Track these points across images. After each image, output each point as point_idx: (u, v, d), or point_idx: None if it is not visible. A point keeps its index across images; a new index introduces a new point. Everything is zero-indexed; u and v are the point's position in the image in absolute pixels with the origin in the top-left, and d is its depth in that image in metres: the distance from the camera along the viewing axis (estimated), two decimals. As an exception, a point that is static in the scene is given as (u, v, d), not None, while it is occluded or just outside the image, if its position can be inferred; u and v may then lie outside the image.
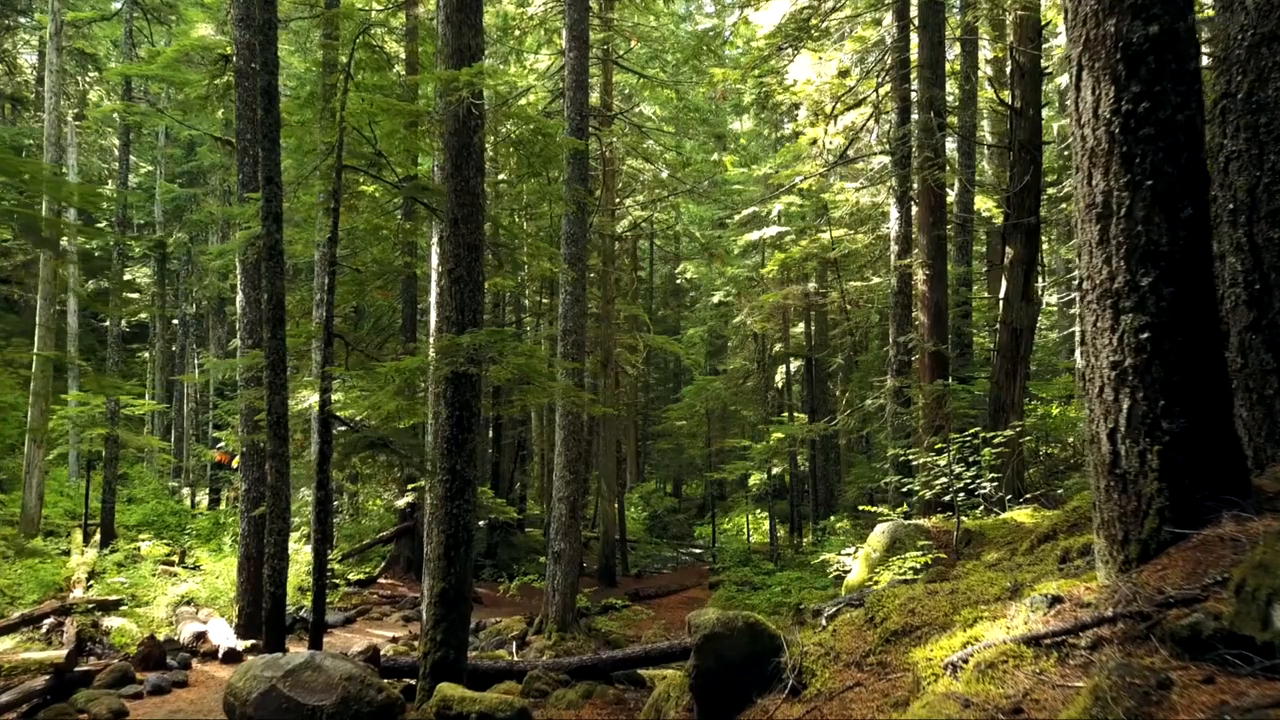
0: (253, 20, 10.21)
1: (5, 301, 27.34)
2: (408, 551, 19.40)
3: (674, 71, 22.08)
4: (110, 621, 13.02)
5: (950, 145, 17.44)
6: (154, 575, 16.10)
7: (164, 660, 11.09)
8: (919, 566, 4.00)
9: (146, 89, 23.76)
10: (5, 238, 20.70)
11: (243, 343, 13.31)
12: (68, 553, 18.60)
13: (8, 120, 27.15)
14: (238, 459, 14.57)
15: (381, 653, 11.75)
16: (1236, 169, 4.71)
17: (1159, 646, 2.75)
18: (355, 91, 8.99)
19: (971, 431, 9.23)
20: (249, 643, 12.05)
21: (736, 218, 24.53)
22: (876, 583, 4.23)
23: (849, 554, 10.17)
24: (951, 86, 17.69)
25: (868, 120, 17.16)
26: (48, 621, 12.63)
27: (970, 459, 9.43)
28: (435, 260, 9.97)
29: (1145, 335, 3.35)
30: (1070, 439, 14.93)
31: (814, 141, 18.33)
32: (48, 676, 9.40)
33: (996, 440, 9.13)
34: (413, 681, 8.37)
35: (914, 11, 14.10)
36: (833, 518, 22.17)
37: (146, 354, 33.22)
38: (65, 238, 26.51)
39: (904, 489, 11.42)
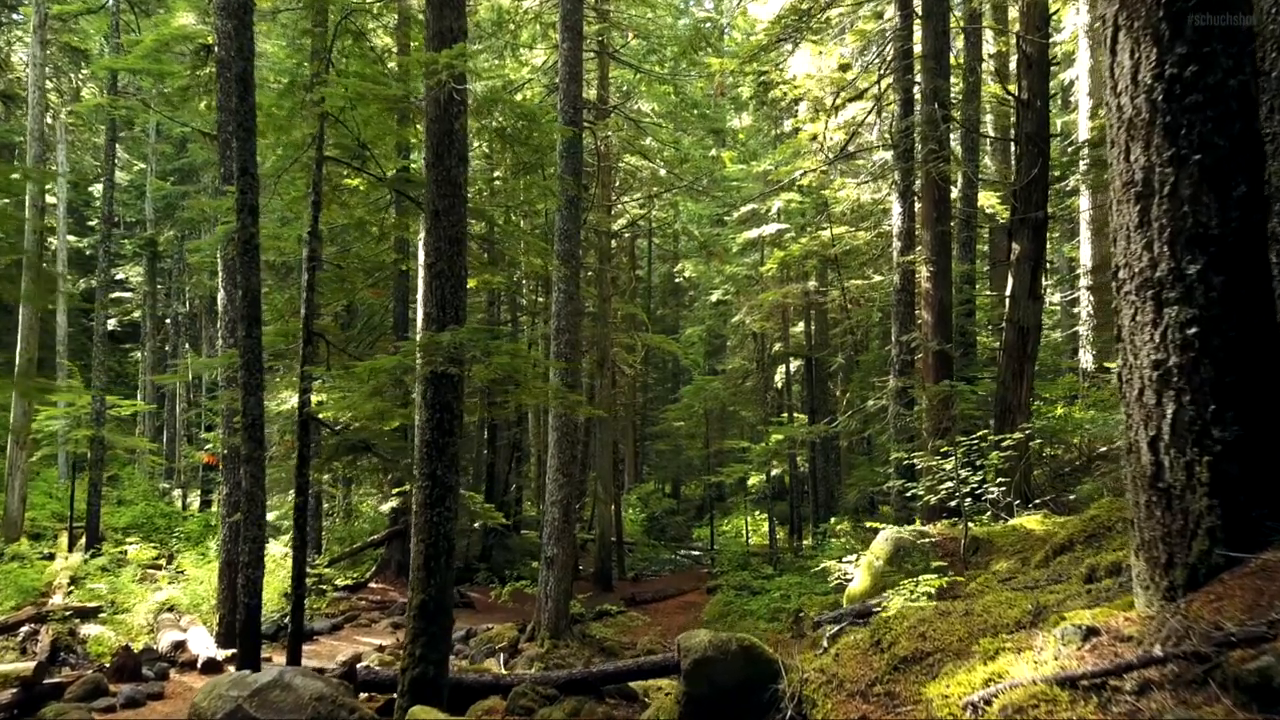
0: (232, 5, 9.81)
1: (-7, 300, 26.89)
2: (399, 555, 18.98)
3: (672, 66, 21.67)
4: (88, 629, 12.62)
5: (953, 140, 17.04)
6: (136, 581, 15.67)
7: (139, 671, 10.67)
8: (933, 591, 3.62)
9: (138, 84, 23.35)
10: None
11: (224, 341, 12.90)
12: (51, 556, 18.20)
13: (1, 118, 26.74)
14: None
15: (366, 662, 11.36)
16: (1272, 152, 4.31)
17: (1220, 695, 2.35)
18: (338, 79, 8.60)
19: (979, 434, 8.84)
20: (229, 652, 11.62)
21: (735, 215, 24.12)
22: (885, 608, 3.83)
23: (850, 561, 9.78)
24: (955, 80, 17.30)
25: (869, 114, 16.76)
26: (24, 629, 12.21)
27: (977, 463, 9.04)
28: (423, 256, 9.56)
29: (1192, 330, 2.95)
30: (1075, 440, 14.54)
31: (814, 137, 17.95)
32: (14, 690, 9.00)
33: (1006, 443, 8.74)
34: (395, 695, 7.97)
35: (917, 1, 13.70)
36: (833, 520, 21.76)
37: (139, 354, 32.81)
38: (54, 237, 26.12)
39: (908, 493, 11.03)
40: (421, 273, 7.83)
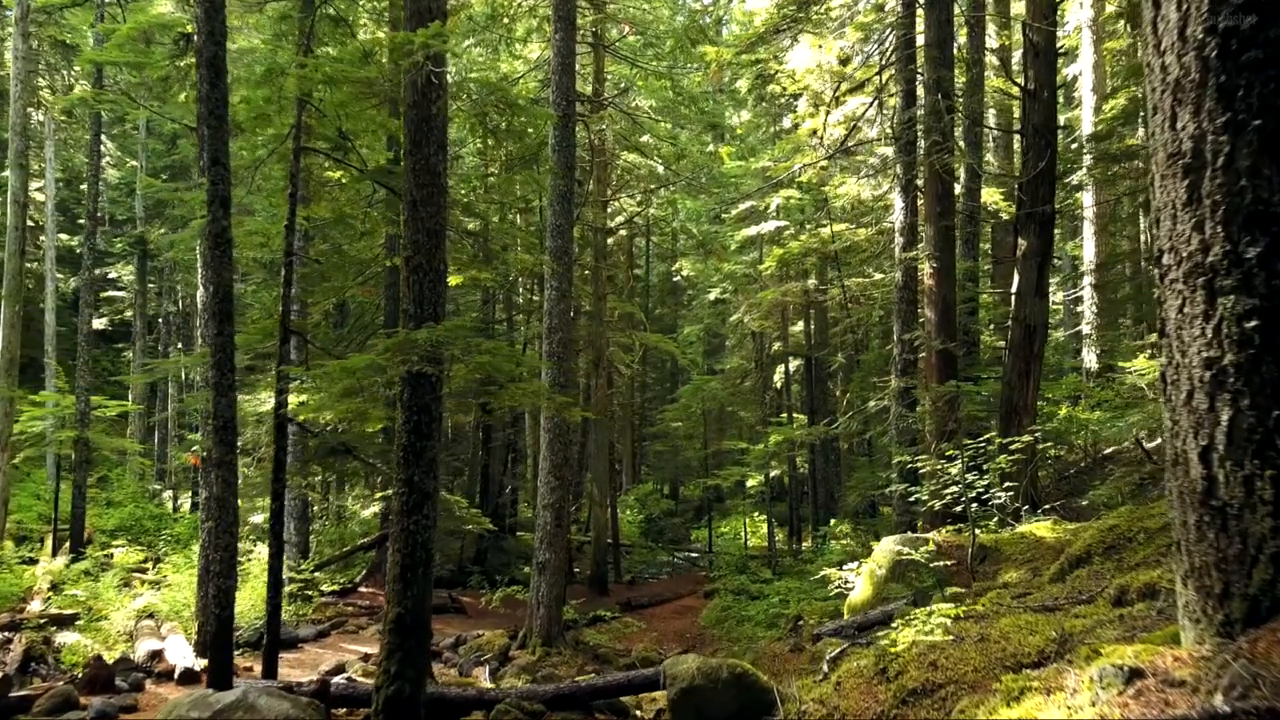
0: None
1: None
2: (390, 559, 18.58)
3: (669, 60, 21.28)
4: (64, 637, 12.18)
5: (956, 133, 16.64)
6: (118, 586, 15.25)
7: (112, 682, 10.24)
8: (949, 623, 3.22)
9: (127, 78, 22.93)
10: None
11: (203, 339, 12.49)
12: (34, 560, 17.80)
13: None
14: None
15: (349, 673, 10.95)
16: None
17: (1304, 761, 1.95)
18: (312, 62, 8.19)
19: (986, 437, 8.43)
20: (208, 661, 11.22)
21: (734, 212, 23.70)
22: (894, 640, 3.44)
23: (851, 569, 9.37)
24: (957, 73, 16.90)
25: (868, 108, 16.34)
26: (-2, 637, 11.83)
27: (984, 466, 8.63)
28: (401, 249, 9.16)
29: (1251, 323, 2.54)
30: (1080, 441, 14.14)
31: (814, 132, 17.55)
32: (-22, 704, 8.60)
33: (1014, 446, 8.33)
34: (369, 713, 7.57)
35: (920, -11, 13.31)
36: (833, 522, 21.38)
37: (130, 354, 32.38)
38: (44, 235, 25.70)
39: (910, 498, 10.62)
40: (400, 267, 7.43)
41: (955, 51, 14.51)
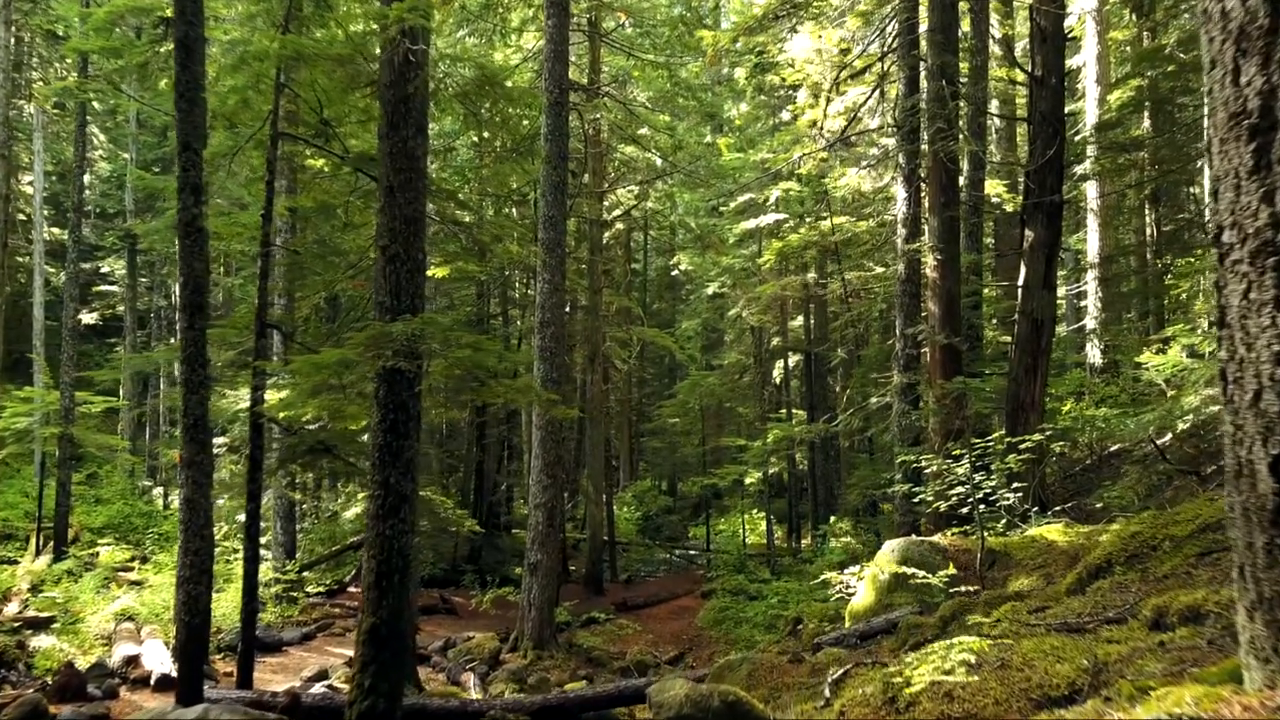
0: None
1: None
2: (381, 558, 18.20)
3: (666, 50, 20.85)
4: (39, 641, 11.78)
5: (960, 122, 16.23)
6: (100, 586, 14.87)
7: (84, 690, 9.85)
8: (972, 660, 2.83)
9: (111, 67, 22.49)
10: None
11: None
12: (16, 561, 17.41)
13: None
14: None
15: (332, 680, 10.58)
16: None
17: None
18: (284, 40, 7.78)
19: (995, 435, 8.05)
20: (177, 672, 10.83)
21: (732, 204, 23.29)
22: (909, 681, 3.05)
23: (853, 573, 9.00)
24: (960, 60, 16.49)
25: (869, 97, 15.93)
26: (-29, 642, 11.42)
27: (991, 466, 8.26)
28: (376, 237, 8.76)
29: (1333, 311, 2.16)
30: (1085, 439, 13.76)
31: (814, 123, 17.12)
32: (-61, 715, 8.22)
33: (1024, 445, 7.95)
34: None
35: (923, -28, 12.90)
36: (833, 520, 21.01)
37: (120, 348, 31.95)
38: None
39: (914, 498, 10.24)
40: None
41: (959, 38, 14.12)
